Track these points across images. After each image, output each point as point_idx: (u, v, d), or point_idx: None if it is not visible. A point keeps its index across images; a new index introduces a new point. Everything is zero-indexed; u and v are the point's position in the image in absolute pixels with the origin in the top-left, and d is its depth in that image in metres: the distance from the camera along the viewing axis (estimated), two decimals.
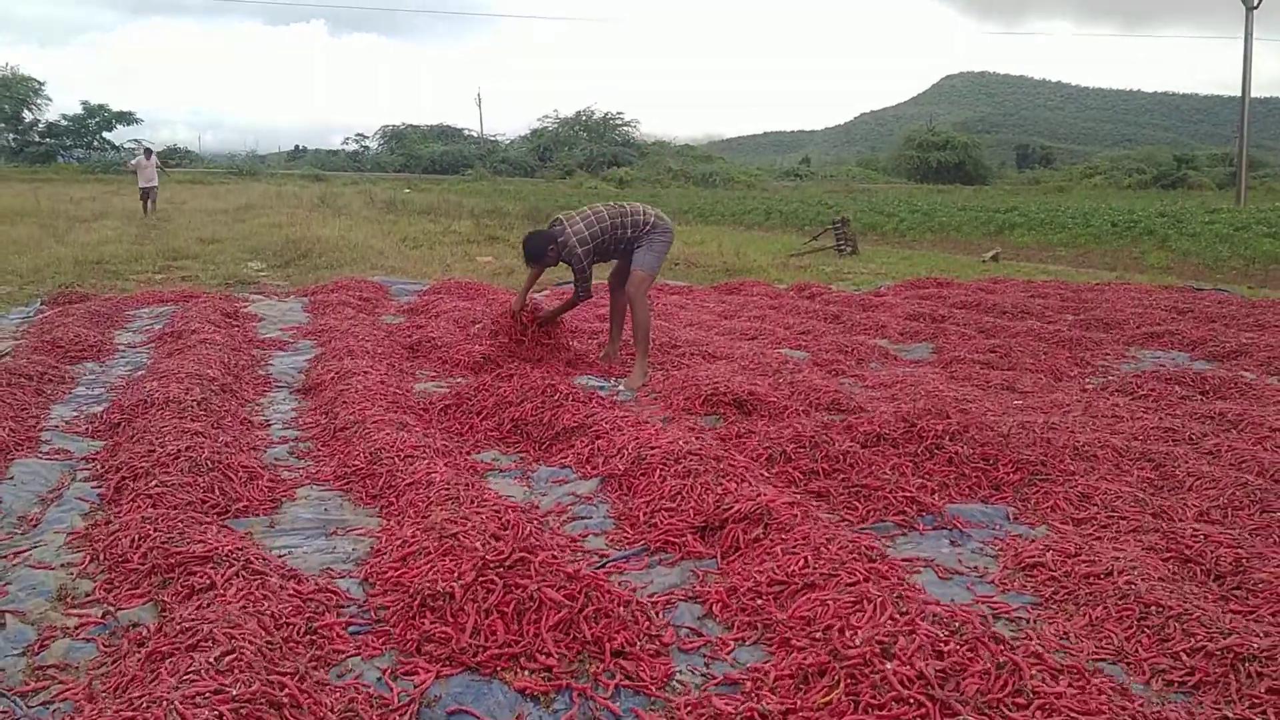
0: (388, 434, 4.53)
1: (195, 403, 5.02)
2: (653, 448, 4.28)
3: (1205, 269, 15.32)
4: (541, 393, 5.26)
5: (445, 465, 4.21)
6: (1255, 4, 31.80)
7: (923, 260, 16.95)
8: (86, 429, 5.02)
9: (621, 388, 6.37)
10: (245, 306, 9.24)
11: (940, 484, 4.31)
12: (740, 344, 7.74)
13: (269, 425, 5.31)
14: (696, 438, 4.40)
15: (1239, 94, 32.74)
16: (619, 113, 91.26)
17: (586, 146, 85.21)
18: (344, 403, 5.28)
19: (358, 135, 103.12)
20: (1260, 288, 13.27)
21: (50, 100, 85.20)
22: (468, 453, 4.81)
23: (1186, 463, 4.54)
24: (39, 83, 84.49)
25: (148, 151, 25.16)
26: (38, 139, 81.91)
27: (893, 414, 4.90)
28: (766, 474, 4.30)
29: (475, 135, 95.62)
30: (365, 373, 5.99)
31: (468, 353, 6.90)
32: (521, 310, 6.86)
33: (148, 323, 8.59)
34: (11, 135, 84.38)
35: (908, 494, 4.08)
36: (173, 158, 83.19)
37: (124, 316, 8.84)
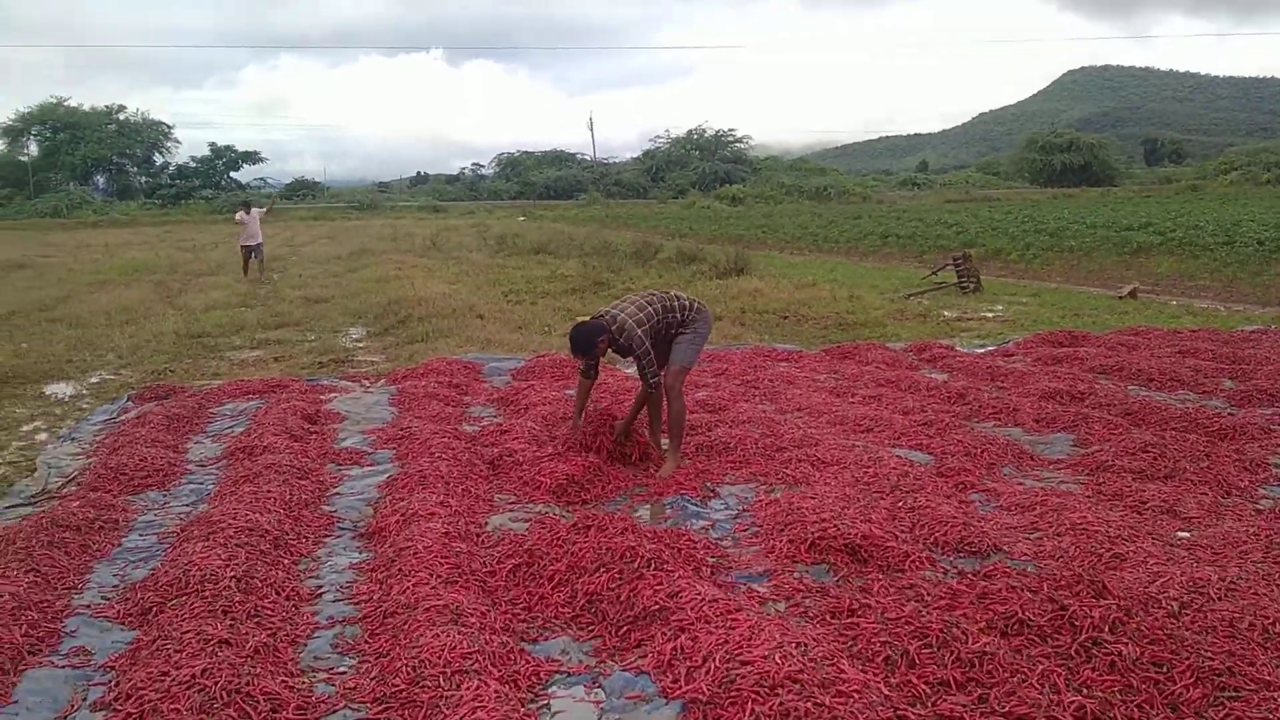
0: (437, 634, 3.89)
1: (234, 581, 4.49)
2: (745, 663, 3.56)
3: None
4: (620, 557, 4.58)
5: (497, 685, 3.57)
6: None
7: (1052, 298, 15.79)
8: (117, 612, 4.52)
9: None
10: (329, 402, 8.81)
11: (1103, 703, 3.48)
12: (854, 439, 7.01)
13: (319, 594, 4.75)
14: (796, 645, 3.65)
15: None
16: (731, 130, 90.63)
17: (698, 165, 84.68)
18: (400, 570, 4.69)
19: (474, 164, 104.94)
20: None
21: (179, 143, 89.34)
22: (534, 639, 4.19)
23: None
24: (168, 126, 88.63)
25: (246, 205, 22.02)
26: (168, 181, 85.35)
27: (1038, 587, 4.08)
28: (886, 690, 3.55)
29: (588, 159, 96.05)
30: (433, 514, 5.41)
31: (550, 473, 6.30)
32: (581, 426, 6.82)
33: (228, 424, 8.22)
34: (144, 178, 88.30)
35: None
36: (300, 189, 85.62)
37: (205, 415, 8.49)
